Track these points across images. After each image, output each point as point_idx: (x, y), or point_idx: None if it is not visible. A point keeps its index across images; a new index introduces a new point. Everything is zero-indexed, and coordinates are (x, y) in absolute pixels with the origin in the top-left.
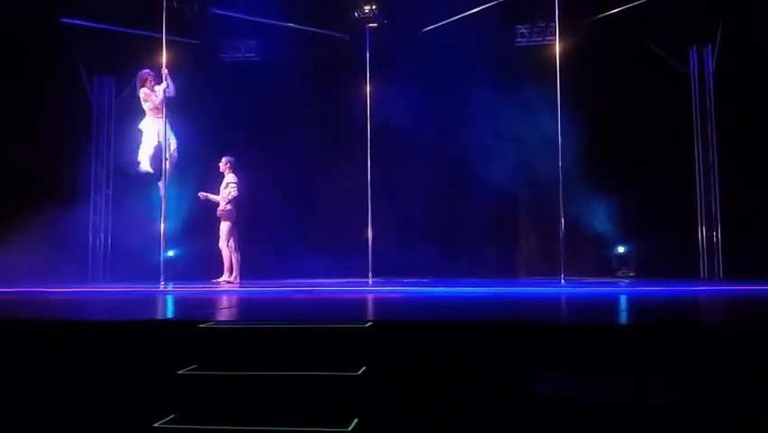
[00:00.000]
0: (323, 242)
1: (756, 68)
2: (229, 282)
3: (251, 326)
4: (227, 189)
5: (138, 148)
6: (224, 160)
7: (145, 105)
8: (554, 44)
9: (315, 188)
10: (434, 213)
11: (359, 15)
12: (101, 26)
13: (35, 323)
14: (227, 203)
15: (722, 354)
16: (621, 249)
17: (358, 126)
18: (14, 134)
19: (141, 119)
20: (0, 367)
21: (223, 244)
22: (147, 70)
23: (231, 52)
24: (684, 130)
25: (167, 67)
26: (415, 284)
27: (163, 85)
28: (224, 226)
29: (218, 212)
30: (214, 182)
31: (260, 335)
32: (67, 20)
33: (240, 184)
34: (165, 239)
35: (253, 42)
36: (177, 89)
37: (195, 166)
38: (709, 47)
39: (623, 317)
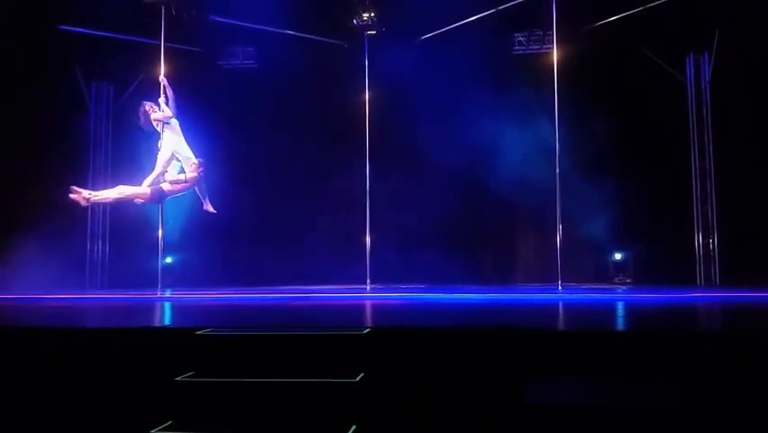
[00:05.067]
0: (321, 248)
1: (752, 76)
2: None
3: (248, 333)
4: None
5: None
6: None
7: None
8: (552, 52)
9: (313, 195)
10: (432, 219)
11: (357, 23)
12: (99, 33)
13: (33, 330)
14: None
15: (719, 361)
16: (618, 256)
17: (356, 133)
18: (13, 140)
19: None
20: None
21: None
22: (145, 102)
23: (229, 59)
24: (681, 137)
25: (165, 75)
26: (413, 290)
27: (161, 98)
28: None
29: None
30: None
31: (258, 341)
32: (65, 27)
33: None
34: (163, 246)
35: (252, 49)
36: (175, 96)
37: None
38: (706, 55)
39: (620, 324)
